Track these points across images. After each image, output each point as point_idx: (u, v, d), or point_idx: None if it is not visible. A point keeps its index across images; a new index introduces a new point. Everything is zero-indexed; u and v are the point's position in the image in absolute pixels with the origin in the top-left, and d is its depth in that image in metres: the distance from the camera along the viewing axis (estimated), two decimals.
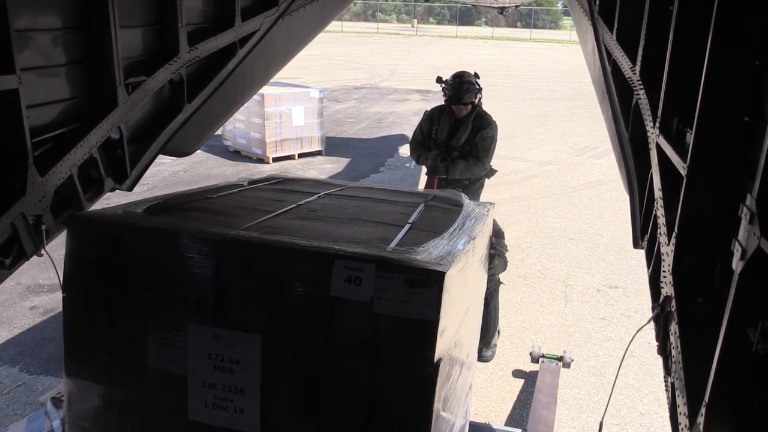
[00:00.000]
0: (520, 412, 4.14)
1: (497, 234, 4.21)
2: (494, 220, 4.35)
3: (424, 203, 2.73)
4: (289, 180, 3.08)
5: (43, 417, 3.06)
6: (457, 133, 5.28)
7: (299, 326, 1.79)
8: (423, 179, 6.02)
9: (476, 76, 5.33)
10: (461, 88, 5.18)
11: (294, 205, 2.46)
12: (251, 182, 2.92)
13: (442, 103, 5.38)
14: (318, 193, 2.76)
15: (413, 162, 11.35)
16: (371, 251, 1.79)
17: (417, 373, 1.70)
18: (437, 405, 1.76)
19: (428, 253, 1.83)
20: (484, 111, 5.42)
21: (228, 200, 2.49)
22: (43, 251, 2.34)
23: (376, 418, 1.73)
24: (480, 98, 5.32)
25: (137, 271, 1.92)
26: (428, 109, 5.63)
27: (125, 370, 1.95)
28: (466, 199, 2.88)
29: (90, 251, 1.97)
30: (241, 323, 1.83)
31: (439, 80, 5.49)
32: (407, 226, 2.26)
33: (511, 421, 4.06)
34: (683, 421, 1.42)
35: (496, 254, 3.58)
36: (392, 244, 1.93)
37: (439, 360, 1.70)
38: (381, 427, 1.74)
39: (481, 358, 4.68)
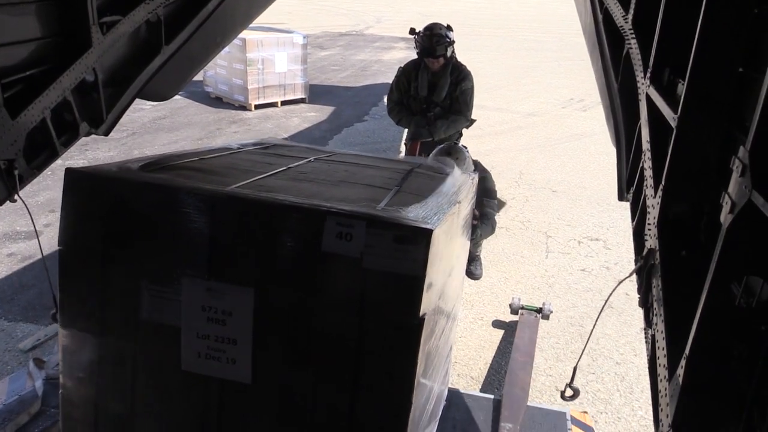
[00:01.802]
0: (498, 360, 4.21)
1: (489, 193, 4.23)
2: (489, 177, 4.36)
3: (412, 169, 2.81)
4: (278, 145, 3.12)
5: (25, 377, 3.03)
6: (437, 88, 5.26)
7: (290, 280, 1.84)
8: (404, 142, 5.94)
9: (449, 28, 5.26)
10: (431, 40, 5.13)
11: (285, 168, 2.50)
12: (241, 145, 2.94)
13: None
14: (308, 158, 2.80)
15: None
16: (362, 209, 1.85)
17: (403, 326, 1.76)
18: (421, 357, 1.82)
19: (416, 213, 1.88)
20: (460, 63, 5.38)
21: (220, 161, 2.52)
22: (16, 197, 2.28)
23: (363, 369, 1.81)
24: (453, 51, 5.26)
25: (133, 226, 1.95)
26: (402, 66, 5.55)
27: (119, 322, 1.99)
28: (453, 168, 2.89)
29: (86, 205, 1.98)
30: (234, 277, 1.88)
31: (412, 32, 5.43)
32: (395, 189, 2.32)
33: (489, 369, 4.13)
34: (662, 372, 1.44)
35: (481, 221, 3.61)
36: (381, 204, 2.00)
37: (425, 314, 1.77)
38: (368, 378, 1.81)
39: (471, 275, 5.05)
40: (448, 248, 2.10)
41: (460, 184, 2.61)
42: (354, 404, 1.85)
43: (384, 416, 1.85)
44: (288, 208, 1.85)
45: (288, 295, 1.85)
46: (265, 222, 1.86)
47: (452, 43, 5.21)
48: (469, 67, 5.39)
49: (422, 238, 1.72)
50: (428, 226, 1.75)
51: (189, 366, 1.95)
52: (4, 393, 2.93)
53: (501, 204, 4.86)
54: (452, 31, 5.25)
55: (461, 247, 2.65)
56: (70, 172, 1.95)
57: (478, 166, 4.56)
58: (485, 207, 3.66)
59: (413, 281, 1.73)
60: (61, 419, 2.15)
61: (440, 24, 5.24)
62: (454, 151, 4.27)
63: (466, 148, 4.53)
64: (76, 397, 2.10)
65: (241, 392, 1.94)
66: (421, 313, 1.76)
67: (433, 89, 5.27)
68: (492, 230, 4.07)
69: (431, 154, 4.16)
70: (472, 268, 5.18)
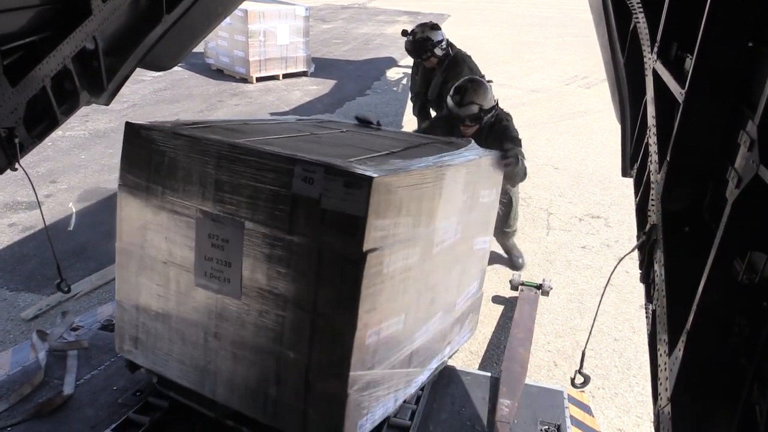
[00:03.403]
0: (498, 335, 4.24)
1: (515, 141, 4.13)
2: (512, 128, 4.26)
3: (428, 143, 3.16)
4: (332, 120, 3.62)
5: (29, 349, 3.05)
6: (431, 85, 5.44)
7: (270, 215, 2.20)
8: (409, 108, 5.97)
9: (434, 27, 5.35)
10: (412, 46, 5.32)
11: (307, 133, 2.91)
12: (298, 118, 3.51)
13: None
14: (341, 129, 3.24)
15: (399, 85, 11.19)
16: (325, 159, 2.15)
17: (349, 257, 2.09)
18: (371, 290, 2.16)
19: (377, 167, 2.18)
20: (461, 57, 5.35)
21: (258, 126, 2.94)
22: (17, 166, 2.27)
23: (321, 287, 2.15)
24: (445, 47, 5.33)
25: (166, 167, 2.41)
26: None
27: (156, 246, 2.51)
28: (471, 145, 3.21)
29: (136, 150, 2.46)
30: (231, 210, 2.27)
31: (404, 33, 5.55)
32: (386, 153, 2.64)
33: (488, 344, 4.16)
34: (662, 347, 1.44)
35: (513, 164, 3.57)
36: (352, 159, 2.31)
37: (369, 250, 2.09)
38: (324, 295, 2.15)
39: (514, 266, 5.10)
40: (417, 203, 2.38)
41: (463, 156, 2.86)
42: (313, 325, 2.18)
43: (335, 339, 2.17)
44: (269, 155, 2.19)
45: (267, 226, 2.21)
46: (253, 166, 2.21)
47: (437, 43, 5.29)
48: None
49: (365, 183, 2.02)
50: (370, 174, 2.04)
51: (199, 282, 2.41)
52: (8, 364, 2.96)
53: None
54: (438, 29, 5.36)
55: (463, 210, 2.89)
56: (128, 125, 2.47)
57: (500, 113, 4.34)
58: (510, 154, 3.58)
59: (357, 220, 2.05)
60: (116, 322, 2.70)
61: (425, 25, 5.39)
62: (474, 84, 4.17)
63: (490, 81, 4.41)
64: (126, 303, 2.62)
65: (232, 306, 2.35)
66: (364, 249, 2.06)
67: (427, 86, 5.48)
68: (524, 175, 4.03)
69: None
70: (513, 259, 5.18)
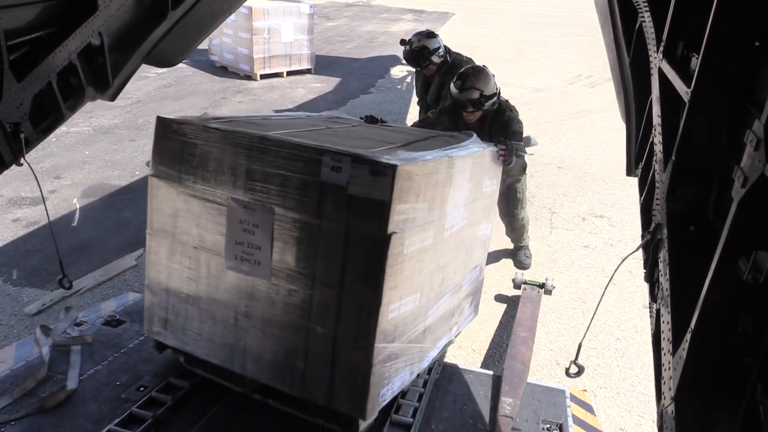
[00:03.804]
0: (500, 334, 4.24)
1: (515, 135, 4.15)
2: (515, 119, 4.27)
3: (434, 136, 3.35)
4: (340, 117, 3.85)
5: (32, 343, 3.06)
6: (429, 91, 5.52)
7: (299, 201, 2.37)
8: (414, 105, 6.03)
9: (429, 36, 5.39)
10: (410, 55, 5.40)
11: (324, 127, 3.11)
12: (308, 115, 3.67)
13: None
14: (352, 124, 3.43)
15: (404, 84, 11.19)
16: (351, 150, 2.33)
17: (374, 238, 2.27)
18: (395, 269, 2.33)
19: (397, 157, 2.36)
20: (458, 61, 5.41)
21: (278, 120, 3.16)
22: (23, 161, 2.28)
23: (348, 266, 2.32)
24: (440, 56, 5.38)
25: (197, 158, 2.56)
26: None
27: (187, 233, 2.66)
28: (473, 138, 3.40)
29: (167, 143, 2.62)
30: (262, 198, 2.44)
31: (402, 43, 5.61)
32: (401, 144, 2.85)
33: (491, 343, 4.16)
34: (666, 346, 1.44)
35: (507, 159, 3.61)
36: (374, 150, 2.49)
37: (393, 232, 2.26)
38: (351, 273, 2.32)
39: (521, 265, 5.10)
40: (432, 190, 2.57)
41: (468, 147, 3.09)
42: (340, 302, 2.35)
43: (360, 314, 2.34)
44: (299, 146, 2.37)
45: (297, 212, 2.38)
46: (283, 157, 2.38)
47: (434, 51, 5.34)
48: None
49: (389, 171, 2.21)
50: (394, 162, 2.22)
51: (230, 266, 2.56)
52: (12, 358, 2.96)
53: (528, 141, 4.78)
54: (435, 37, 5.41)
55: (468, 199, 3.08)
56: (160, 119, 2.63)
57: (504, 104, 4.37)
58: (508, 146, 3.68)
59: (383, 205, 2.23)
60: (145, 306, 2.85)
61: (421, 34, 5.43)
62: (476, 71, 4.24)
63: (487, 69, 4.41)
64: (156, 287, 2.78)
65: (262, 287, 2.51)
66: (388, 231, 2.24)
67: (426, 91, 5.59)
68: (521, 169, 4.05)
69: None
70: (521, 257, 5.18)
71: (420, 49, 5.32)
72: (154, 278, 2.78)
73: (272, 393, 2.63)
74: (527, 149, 4.71)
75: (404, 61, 5.77)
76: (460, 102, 4.15)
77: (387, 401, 2.59)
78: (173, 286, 2.73)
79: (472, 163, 3.05)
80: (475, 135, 3.51)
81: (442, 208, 2.73)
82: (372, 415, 2.50)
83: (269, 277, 2.48)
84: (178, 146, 2.59)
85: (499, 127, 4.22)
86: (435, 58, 5.35)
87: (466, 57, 5.59)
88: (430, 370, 3.06)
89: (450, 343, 3.34)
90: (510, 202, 4.79)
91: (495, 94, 4.21)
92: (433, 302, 2.88)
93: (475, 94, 4.10)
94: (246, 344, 2.60)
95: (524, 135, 4.44)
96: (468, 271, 3.35)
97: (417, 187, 2.40)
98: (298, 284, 2.43)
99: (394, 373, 2.57)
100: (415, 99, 6.42)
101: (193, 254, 2.66)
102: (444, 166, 2.67)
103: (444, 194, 2.72)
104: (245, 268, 2.52)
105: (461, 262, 3.19)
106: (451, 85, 4.23)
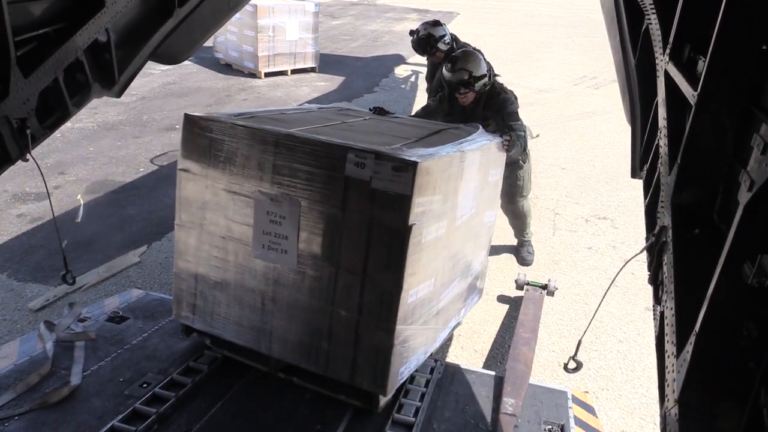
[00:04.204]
0: (502, 335, 4.24)
1: (512, 116, 4.27)
2: (509, 100, 4.35)
3: (444, 129, 3.59)
4: (349, 109, 4.13)
5: (36, 339, 3.07)
6: (434, 78, 5.71)
7: (324, 194, 2.54)
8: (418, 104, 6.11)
9: (435, 24, 5.60)
10: (417, 43, 5.65)
11: (340, 122, 3.32)
12: (318, 107, 3.89)
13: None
14: (365, 118, 3.65)
15: (408, 83, 11.18)
16: (374, 147, 2.51)
17: (396, 229, 2.45)
18: (415, 257, 2.52)
19: (416, 153, 2.53)
20: (461, 48, 5.44)
21: (295, 115, 3.34)
22: (29, 156, 2.28)
23: (371, 254, 2.50)
24: (446, 43, 5.57)
25: (225, 153, 2.71)
26: None
27: (215, 224, 2.83)
28: (480, 131, 3.61)
29: (195, 139, 2.76)
30: (288, 191, 2.61)
31: (411, 33, 5.83)
32: (415, 139, 3.06)
33: (493, 343, 4.17)
34: (670, 348, 1.44)
35: (513, 146, 3.83)
36: (393, 146, 2.67)
37: (413, 224, 2.44)
38: (373, 261, 2.51)
39: (523, 261, 5.17)
40: (447, 182, 2.76)
41: (476, 140, 3.30)
42: (363, 287, 2.54)
43: (382, 298, 2.54)
44: (325, 144, 2.54)
45: (323, 204, 2.55)
46: (309, 153, 2.55)
47: (440, 38, 5.54)
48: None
49: (411, 167, 2.39)
50: (415, 159, 2.40)
51: (257, 255, 2.74)
52: (15, 354, 2.97)
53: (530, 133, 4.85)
54: (440, 26, 5.61)
55: (477, 187, 3.31)
56: (187, 116, 2.77)
57: (498, 86, 4.47)
58: (510, 125, 3.97)
59: (404, 198, 2.41)
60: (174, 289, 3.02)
61: (427, 23, 5.66)
62: (465, 53, 4.41)
63: (498, 75, 4.54)
64: (184, 274, 2.95)
65: (288, 274, 2.69)
66: (409, 222, 2.43)
67: (434, 78, 5.75)
68: (522, 149, 4.12)
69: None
70: (523, 254, 5.22)
71: (426, 37, 5.54)
72: (183, 266, 2.95)
73: (294, 372, 2.84)
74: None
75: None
76: (451, 84, 4.26)
77: (404, 379, 2.82)
78: (201, 274, 2.91)
79: (480, 156, 3.26)
80: (481, 128, 3.70)
81: (455, 200, 2.93)
82: (391, 392, 2.70)
83: (295, 265, 2.66)
84: (205, 142, 2.73)
85: (494, 108, 4.32)
86: (441, 45, 5.56)
87: (474, 48, 5.61)
88: (432, 369, 3.07)
89: (458, 324, 3.61)
90: (510, 189, 4.81)
91: (485, 75, 4.29)
92: (445, 286, 3.10)
93: (465, 75, 4.20)
94: (272, 327, 2.79)
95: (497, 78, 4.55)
96: (475, 256, 3.59)
97: (434, 181, 2.59)
98: (323, 271, 2.61)
99: (411, 352, 2.77)
100: (418, 98, 6.48)
101: (221, 244, 2.82)
102: (456, 161, 2.86)
103: (456, 187, 2.92)
104: (272, 257, 2.70)
105: (469, 249, 3.43)
106: (443, 69, 4.36)
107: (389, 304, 2.52)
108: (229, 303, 2.87)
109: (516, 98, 4.49)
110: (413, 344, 2.77)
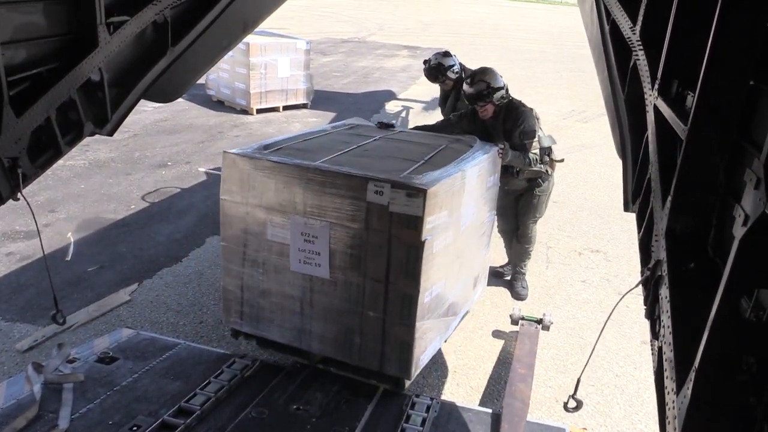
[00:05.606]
0: (498, 371, 4.20)
1: (527, 135, 4.61)
2: (528, 115, 4.63)
3: (446, 145, 4.07)
4: (360, 125, 4.59)
5: (23, 381, 3.00)
6: (446, 104, 6.14)
7: (350, 217, 3.07)
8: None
9: (445, 55, 5.98)
10: (428, 72, 6.00)
11: (356, 146, 3.80)
12: (333, 127, 4.46)
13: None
14: (375, 137, 4.14)
15: (398, 119, 11.27)
16: (391, 177, 3.03)
17: (411, 244, 3.00)
18: (429, 265, 3.06)
19: (425, 178, 3.05)
20: (515, 102, 5.62)
21: (315, 142, 3.86)
22: (19, 195, 2.27)
23: (392, 265, 3.05)
24: (458, 72, 5.90)
25: (260, 184, 3.22)
26: None
27: (256, 244, 3.35)
28: (476, 144, 4.13)
29: (233, 172, 3.28)
30: (319, 215, 3.14)
31: (424, 63, 6.15)
32: (422, 161, 3.55)
33: (489, 380, 4.11)
34: (670, 385, 1.42)
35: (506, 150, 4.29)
36: (405, 173, 3.21)
37: (425, 239, 2.98)
38: (395, 270, 3.05)
39: (518, 296, 5.19)
40: (451, 199, 3.28)
41: (473, 156, 3.76)
42: (386, 292, 3.10)
43: (403, 300, 3.08)
44: (348, 176, 3.06)
45: (349, 226, 3.08)
46: (335, 184, 3.08)
47: (449, 68, 5.88)
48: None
49: (421, 193, 2.93)
50: (425, 187, 2.94)
51: (295, 268, 3.28)
52: (2, 397, 2.90)
53: (554, 161, 5.03)
54: (450, 56, 5.97)
55: (478, 194, 3.86)
56: (226, 154, 3.30)
57: (517, 102, 4.75)
58: (507, 144, 4.37)
59: (417, 219, 2.94)
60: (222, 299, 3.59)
61: (438, 54, 6.02)
62: (482, 69, 4.80)
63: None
64: (232, 286, 3.49)
65: (322, 283, 3.23)
66: (422, 239, 2.96)
67: (445, 103, 6.17)
68: (522, 161, 4.52)
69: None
70: (518, 288, 5.22)
71: (437, 66, 5.91)
72: (230, 280, 3.48)
73: (330, 363, 3.39)
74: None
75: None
76: (471, 96, 4.59)
77: (425, 364, 3.39)
78: (247, 285, 3.44)
79: (479, 168, 3.77)
80: (478, 140, 4.21)
81: (458, 211, 3.44)
82: (413, 376, 3.25)
83: (328, 275, 3.19)
84: (243, 176, 3.24)
85: (514, 122, 4.61)
86: (450, 74, 5.91)
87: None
88: (428, 408, 3.02)
89: (467, 313, 4.20)
90: (524, 209, 5.02)
91: (502, 87, 4.63)
92: (454, 284, 3.64)
93: (483, 86, 4.55)
94: (311, 327, 3.33)
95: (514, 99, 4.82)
96: (477, 253, 4.14)
97: (441, 201, 3.11)
98: (353, 279, 3.15)
99: (429, 342, 3.34)
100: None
101: (262, 260, 3.34)
102: (459, 179, 3.37)
103: (459, 201, 3.44)
104: (308, 270, 3.22)
105: (473, 249, 3.98)
106: (464, 85, 4.74)
107: (409, 305, 3.05)
108: (272, 309, 3.40)
109: (537, 117, 4.78)
110: (430, 335, 3.31)
